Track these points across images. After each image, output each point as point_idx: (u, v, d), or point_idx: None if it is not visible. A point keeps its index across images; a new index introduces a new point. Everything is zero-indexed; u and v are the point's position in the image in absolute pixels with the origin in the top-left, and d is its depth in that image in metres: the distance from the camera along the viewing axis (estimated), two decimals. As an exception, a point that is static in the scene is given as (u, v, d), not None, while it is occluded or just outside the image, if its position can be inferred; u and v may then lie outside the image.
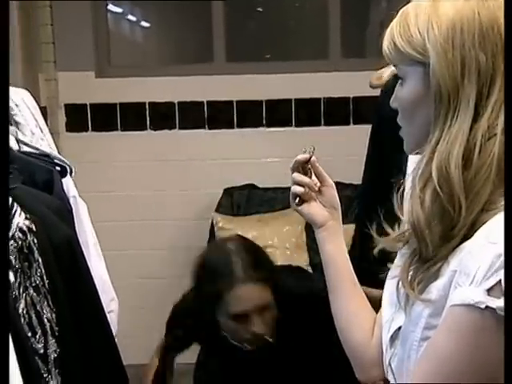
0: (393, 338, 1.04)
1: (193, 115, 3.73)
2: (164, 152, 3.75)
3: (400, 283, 1.00)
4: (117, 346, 1.45)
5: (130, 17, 4.24)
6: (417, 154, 1.02)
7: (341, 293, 1.22)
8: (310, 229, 3.55)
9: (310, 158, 1.28)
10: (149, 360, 3.72)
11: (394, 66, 1.03)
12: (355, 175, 3.24)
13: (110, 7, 3.94)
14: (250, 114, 3.75)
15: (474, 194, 0.91)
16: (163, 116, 3.74)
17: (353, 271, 1.23)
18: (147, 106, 3.73)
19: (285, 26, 3.87)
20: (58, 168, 1.56)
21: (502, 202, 0.90)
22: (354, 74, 3.47)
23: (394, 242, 1.06)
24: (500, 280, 0.84)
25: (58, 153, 1.75)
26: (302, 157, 1.29)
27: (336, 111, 3.66)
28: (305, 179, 1.26)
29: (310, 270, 3.47)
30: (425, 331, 0.94)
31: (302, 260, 3.51)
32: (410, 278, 0.96)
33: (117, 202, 3.75)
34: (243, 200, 3.69)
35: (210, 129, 3.76)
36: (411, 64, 0.97)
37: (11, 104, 1.75)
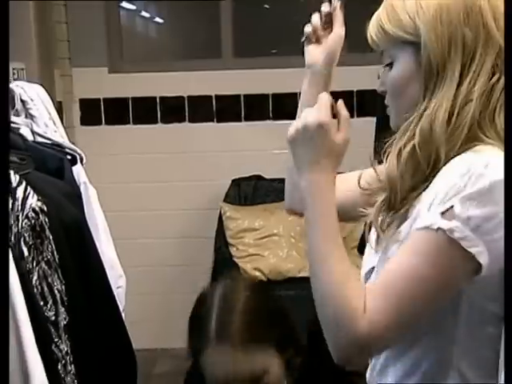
0: (366, 278, 1.16)
1: (202, 109, 3.86)
2: (174, 144, 3.88)
3: (372, 228, 1.13)
4: (122, 318, 1.59)
5: (143, 13, 4.38)
6: None
7: None
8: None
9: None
10: (157, 345, 3.86)
11: (381, 52, 1.14)
12: (360, 166, 3.35)
13: (124, 4, 4.07)
14: (256, 107, 3.87)
15: (450, 146, 1.04)
16: (173, 110, 3.86)
17: None
18: (158, 100, 3.86)
19: (291, 22, 3.96)
20: (68, 156, 1.69)
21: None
22: (357, 68, 3.58)
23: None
24: (452, 206, 0.97)
25: (71, 144, 1.89)
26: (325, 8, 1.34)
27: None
28: (314, 19, 1.34)
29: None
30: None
31: (306, 248, 3.63)
32: (380, 221, 1.08)
33: (129, 192, 3.87)
34: (250, 190, 3.81)
35: (218, 122, 3.88)
36: (401, 46, 1.09)
37: (27, 98, 1.89)
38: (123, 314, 1.81)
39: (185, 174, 3.90)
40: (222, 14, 3.86)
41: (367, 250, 1.21)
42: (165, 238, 3.95)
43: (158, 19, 4.42)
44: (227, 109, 3.87)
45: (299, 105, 1.36)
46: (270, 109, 3.87)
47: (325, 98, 1.10)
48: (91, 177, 1.90)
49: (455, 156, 1.04)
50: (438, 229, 0.98)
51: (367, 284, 1.09)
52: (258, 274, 3.51)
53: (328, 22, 1.32)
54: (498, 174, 0.97)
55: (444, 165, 1.04)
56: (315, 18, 1.32)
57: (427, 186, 1.05)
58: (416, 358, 1.09)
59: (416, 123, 1.06)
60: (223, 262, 3.68)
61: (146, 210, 3.93)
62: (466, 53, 1.05)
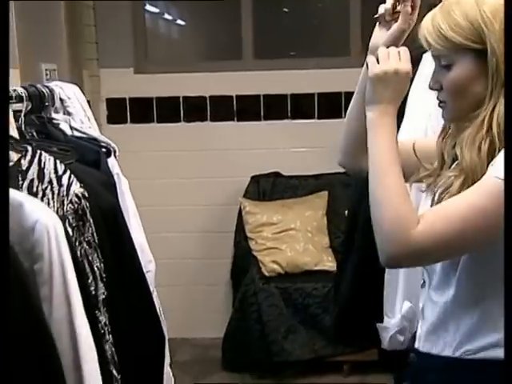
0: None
1: (223, 108, 4.00)
2: (196, 142, 4.02)
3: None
4: (152, 295, 1.74)
5: (167, 16, 4.53)
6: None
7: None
8: (330, 214, 3.83)
9: None
10: (178, 334, 3.99)
11: (436, 54, 1.27)
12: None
13: (148, 7, 4.23)
14: (275, 107, 4.00)
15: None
16: (195, 109, 4.01)
17: None
18: (181, 100, 4.01)
19: (309, 25, 4.09)
20: (103, 149, 1.85)
21: None
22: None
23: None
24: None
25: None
26: None
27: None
28: (387, 4, 1.39)
29: (331, 252, 3.74)
30: None
31: (323, 242, 3.77)
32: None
33: (152, 188, 4.01)
34: (269, 187, 3.95)
35: (238, 121, 4.02)
36: (462, 52, 1.23)
37: (64, 97, 2.05)
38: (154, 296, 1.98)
39: (206, 171, 4.04)
40: (243, 16, 4.01)
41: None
42: (187, 232, 4.10)
43: (180, 21, 4.56)
44: (247, 108, 4.01)
45: (359, 83, 1.47)
46: (289, 108, 4.00)
47: (403, 49, 1.28)
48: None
49: None
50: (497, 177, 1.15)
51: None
52: (275, 266, 3.66)
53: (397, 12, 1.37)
54: None
55: None
56: (388, 1, 1.38)
57: None
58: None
59: (488, 120, 1.22)
60: (242, 255, 3.84)
61: (169, 205, 4.08)
62: None
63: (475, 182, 1.21)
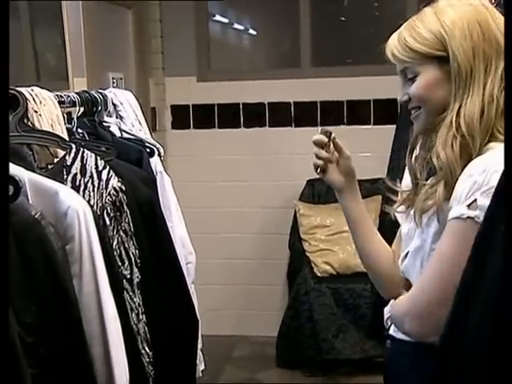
0: (404, 259, 1.45)
1: (281, 114, 4.15)
2: (255, 147, 4.18)
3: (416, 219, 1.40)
4: (186, 281, 1.89)
5: (236, 26, 4.70)
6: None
7: (361, 235, 1.61)
8: (383, 217, 3.89)
9: (330, 137, 1.64)
10: (236, 331, 4.14)
11: (402, 68, 1.37)
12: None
13: (218, 18, 4.41)
14: (332, 113, 4.11)
15: (481, 141, 1.29)
16: (255, 115, 4.17)
17: (369, 219, 1.63)
18: (241, 106, 4.18)
19: (365, 33, 4.19)
20: (147, 149, 2.03)
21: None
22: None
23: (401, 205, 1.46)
24: (476, 199, 1.23)
25: (162, 147, 2.20)
26: (317, 138, 1.66)
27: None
28: (323, 154, 1.63)
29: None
30: (432, 245, 1.35)
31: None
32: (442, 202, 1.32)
33: (213, 190, 4.21)
34: (323, 190, 4.05)
35: (295, 126, 4.16)
36: (427, 61, 1.32)
37: (117, 102, 2.25)
38: (193, 286, 2.14)
39: (264, 175, 4.19)
40: (302, 25, 4.14)
41: (403, 241, 1.47)
42: (244, 233, 4.26)
43: (251, 31, 4.73)
44: (304, 114, 4.13)
45: (346, 218, 1.66)
46: (345, 114, 4.10)
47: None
48: (179, 175, 2.20)
49: (481, 149, 1.29)
50: (467, 217, 1.23)
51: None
52: (327, 267, 3.76)
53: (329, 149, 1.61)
54: None
55: (475, 156, 1.28)
56: (320, 153, 1.63)
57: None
58: None
59: (456, 120, 1.30)
60: (296, 256, 3.96)
61: (229, 207, 4.25)
62: (485, 61, 1.30)
63: (456, 181, 1.28)
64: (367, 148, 4.08)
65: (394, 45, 1.38)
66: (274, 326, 3.95)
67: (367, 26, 4.17)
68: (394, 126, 4.13)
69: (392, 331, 1.49)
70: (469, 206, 1.23)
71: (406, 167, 1.46)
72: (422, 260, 1.38)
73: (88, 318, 1.35)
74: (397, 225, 1.57)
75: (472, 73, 1.30)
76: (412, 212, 1.41)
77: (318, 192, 4.05)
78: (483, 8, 1.35)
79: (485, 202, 1.21)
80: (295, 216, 4.00)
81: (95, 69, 3.25)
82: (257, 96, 4.15)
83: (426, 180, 1.39)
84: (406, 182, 1.49)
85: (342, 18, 4.26)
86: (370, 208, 3.89)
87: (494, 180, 1.19)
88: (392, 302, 1.47)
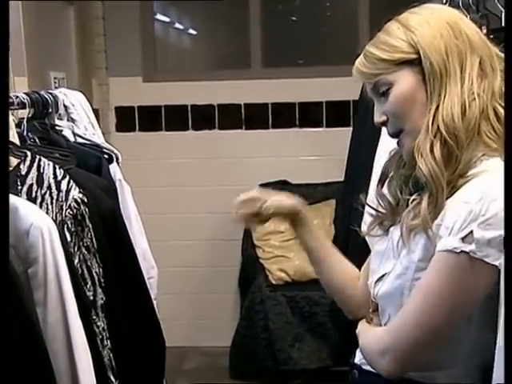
0: (377, 281, 1.31)
1: (231, 117, 4.02)
2: (204, 150, 4.04)
3: (403, 237, 1.26)
4: (152, 301, 1.74)
5: (177, 25, 4.56)
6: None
7: (324, 266, 1.50)
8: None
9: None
10: (186, 343, 3.98)
11: (374, 83, 1.24)
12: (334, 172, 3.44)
13: (159, 17, 4.25)
14: (283, 115, 4.01)
15: (468, 141, 1.18)
16: (204, 117, 4.03)
17: (328, 245, 1.52)
18: (189, 108, 4.03)
19: (317, 33, 4.10)
20: (105, 156, 1.86)
21: (473, 171, 1.17)
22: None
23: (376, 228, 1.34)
24: (472, 231, 1.11)
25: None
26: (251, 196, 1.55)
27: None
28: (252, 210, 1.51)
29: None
30: (416, 273, 1.21)
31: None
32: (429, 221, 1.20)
33: (160, 196, 4.04)
34: (276, 195, 3.95)
35: (246, 129, 4.04)
36: (398, 68, 1.22)
37: (68, 104, 2.07)
38: (155, 303, 1.98)
39: (214, 179, 4.05)
40: (252, 25, 4.02)
41: (375, 259, 1.35)
42: (194, 240, 4.10)
43: (191, 31, 4.59)
44: (255, 117, 4.02)
45: (308, 253, 1.55)
46: (297, 117, 4.01)
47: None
48: (125, 181, 2.06)
49: (469, 153, 1.18)
50: (461, 251, 1.11)
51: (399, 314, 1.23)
52: (282, 274, 3.65)
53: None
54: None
55: (464, 163, 1.17)
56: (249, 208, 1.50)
57: (450, 196, 1.17)
58: None
59: (433, 122, 1.19)
60: (250, 264, 3.83)
61: (177, 213, 4.09)
62: (459, 58, 1.21)
63: (440, 195, 1.17)
64: (320, 151, 4.00)
65: (360, 63, 1.27)
66: (225, 335, 3.82)
67: (319, 27, 4.09)
68: (347, 129, 4.08)
69: (358, 360, 1.37)
70: (463, 238, 1.12)
71: (377, 194, 1.35)
72: (402, 288, 1.24)
73: (54, 351, 1.19)
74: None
75: (447, 70, 1.20)
76: (393, 230, 1.30)
77: (271, 197, 3.93)
78: (448, 9, 1.29)
79: (482, 234, 1.10)
80: (248, 222, 3.86)
81: (36, 67, 3.03)
82: (206, 97, 4.01)
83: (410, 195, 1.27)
84: (372, 197, 1.39)
85: (294, 18, 4.17)
86: (323, 213, 3.87)
87: (493, 210, 1.10)
88: (361, 331, 1.35)
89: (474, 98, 1.19)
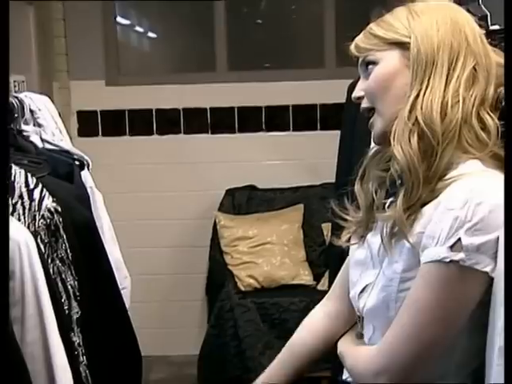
0: (361, 293, 1.26)
1: (197, 121, 3.95)
2: (169, 155, 3.96)
3: (361, 246, 1.23)
4: (128, 313, 1.67)
5: (138, 28, 4.47)
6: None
7: (308, 358, 1.42)
8: (306, 227, 3.79)
9: None
10: (153, 352, 3.89)
11: (363, 58, 1.23)
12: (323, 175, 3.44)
13: (119, 20, 4.16)
14: (250, 119, 3.96)
15: (447, 141, 1.14)
16: (169, 122, 3.95)
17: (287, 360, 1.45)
18: (154, 113, 3.94)
19: (283, 36, 4.07)
20: (76, 162, 1.78)
21: (452, 173, 1.13)
22: (347, 81, 3.67)
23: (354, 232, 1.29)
24: (459, 238, 1.06)
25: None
26: None
27: (331, 116, 3.82)
28: None
29: (307, 265, 3.70)
30: (400, 284, 1.16)
31: (299, 256, 3.72)
32: (405, 218, 1.14)
33: (125, 202, 3.93)
34: (244, 200, 3.90)
35: (212, 133, 3.97)
36: (388, 47, 1.20)
37: (35, 108, 1.98)
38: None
39: (180, 184, 3.97)
40: (216, 28, 3.97)
41: (355, 270, 1.29)
42: (161, 246, 4.01)
43: (151, 34, 4.51)
44: (221, 121, 3.96)
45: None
46: (263, 121, 3.96)
47: None
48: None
49: (446, 155, 1.13)
50: (451, 261, 1.06)
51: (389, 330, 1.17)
52: (251, 281, 3.59)
53: None
54: (494, 197, 1.06)
55: (443, 164, 1.13)
56: None
57: (430, 201, 1.13)
58: None
59: (411, 109, 1.15)
60: (218, 270, 3.77)
61: (142, 220, 4.00)
62: (451, 55, 1.17)
63: (416, 188, 1.13)
64: (287, 155, 3.96)
65: (358, 37, 1.26)
66: (192, 344, 3.75)
67: (285, 30, 4.05)
68: (315, 132, 4.07)
69: (347, 377, 1.31)
70: (451, 247, 1.07)
71: (356, 192, 1.29)
72: (387, 301, 1.19)
73: (33, 372, 1.10)
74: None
75: (434, 62, 1.17)
76: (371, 237, 1.25)
77: (239, 202, 3.89)
78: (458, 9, 1.25)
79: (471, 241, 1.06)
80: (215, 228, 3.81)
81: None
82: (171, 101, 3.94)
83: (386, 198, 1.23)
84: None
85: (259, 21, 4.12)
86: (292, 218, 3.83)
87: (479, 214, 1.05)
88: (346, 352, 1.30)
89: (458, 101, 1.15)
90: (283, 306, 3.50)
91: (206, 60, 4.09)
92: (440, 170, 1.14)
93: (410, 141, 1.14)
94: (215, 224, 3.81)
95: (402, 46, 1.19)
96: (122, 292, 1.89)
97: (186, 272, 4.04)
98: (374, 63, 1.22)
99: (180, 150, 3.96)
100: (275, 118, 3.97)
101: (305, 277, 3.61)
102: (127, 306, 1.89)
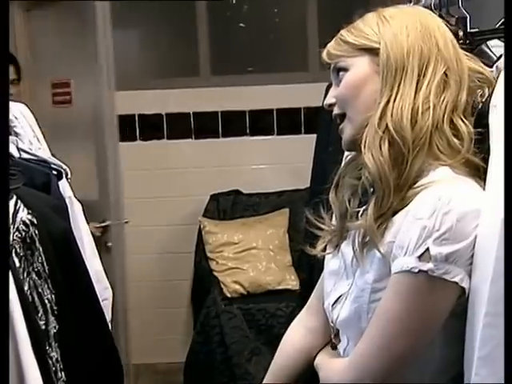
0: (335, 304, 1.24)
1: (180, 126, 3.92)
2: (153, 161, 3.93)
3: (334, 257, 1.21)
4: (108, 327, 1.63)
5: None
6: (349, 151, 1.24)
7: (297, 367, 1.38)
8: (292, 231, 3.76)
9: None
10: (139, 360, 3.86)
11: (334, 65, 1.22)
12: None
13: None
14: (234, 123, 3.94)
15: (418, 149, 1.12)
16: (152, 127, 3.92)
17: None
18: (137, 118, 3.92)
19: (266, 40, 4.05)
20: (54, 172, 1.74)
21: (422, 181, 1.11)
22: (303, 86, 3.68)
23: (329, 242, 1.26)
24: (428, 248, 1.04)
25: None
26: None
27: (315, 120, 3.80)
28: None
29: (293, 270, 3.67)
30: (372, 295, 1.14)
31: (285, 261, 3.69)
32: (376, 227, 1.13)
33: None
34: (229, 205, 3.87)
35: (196, 138, 3.95)
36: (358, 53, 1.18)
37: (11, 116, 1.94)
38: (109, 325, 1.87)
39: (164, 190, 3.94)
40: (199, 32, 3.94)
41: (329, 280, 1.27)
42: (145, 253, 3.97)
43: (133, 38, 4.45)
44: (205, 125, 3.94)
45: None
46: (247, 125, 3.94)
47: None
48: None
49: (421, 167, 1.11)
50: (419, 271, 1.04)
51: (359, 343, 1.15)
52: (237, 287, 3.56)
53: None
54: (462, 205, 1.04)
55: (414, 172, 1.11)
56: None
57: (400, 209, 1.11)
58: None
59: (381, 116, 1.13)
60: (203, 276, 3.73)
61: (126, 226, 3.95)
62: (421, 61, 1.15)
63: (387, 195, 1.11)
64: (272, 159, 3.94)
65: (330, 44, 1.25)
66: (178, 351, 3.72)
67: (268, 33, 4.03)
68: (299, 136, 4.04)
69: None
70: (420, 257, 1.05)
71: (330, 201, 1.27)
72: (359, 312, 1.17)
73: (5, 394, 1.06)
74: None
75: (404, 69, 1.15)
76: (345, 247, 1.22)
77: (223, 207, 3.86)
78: (429, 14, 1.23)
79: (439, 251, 1.04)
80: (200, 233, 3.77)
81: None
82: (154, 106, 3.91)
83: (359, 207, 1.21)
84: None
85: (242, 25, 4.08)
86: (277, 222, 3.80)
87: (446, 223, 1.03)
88: (320, 364, 1.29)
89: (429, 107, 1.13)
90: (269, 311, 3.47)
91: (189, 64, 4.07)
92: (411, 178, 1.12)
93: (380, 148, 1.12)
94: (200, 230, 3.78)
95: (372, 51, 1.17)
96: (103, 303, 1.86)
97: (171, 278, 4.00)
98: (345, 70, 1.20)
99: (163, 156, 3.94)
100: (259, 122, 3.95)
101: (291, 282, 3.58)
102: (108, 317, 1.86)
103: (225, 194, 3.90)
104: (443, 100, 1.14)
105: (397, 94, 1.14)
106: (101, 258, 1.95)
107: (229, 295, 3.54)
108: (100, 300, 1.80)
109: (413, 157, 1.12)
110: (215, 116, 3.93)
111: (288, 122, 3.91)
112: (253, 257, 3.63)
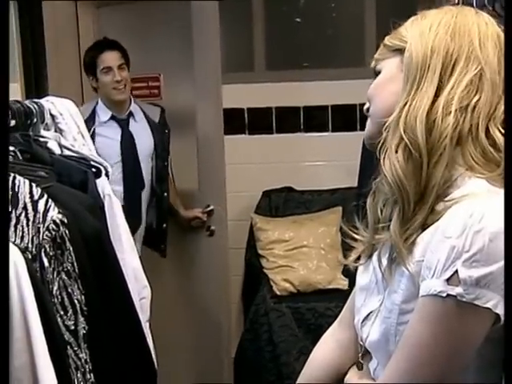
0: (364, 321, 1.17)
1: (234, 121, 3.88)
2: (206, 156, 3.92)
3: (365, 271, 1.15)
4: (142, 328, 1.62)
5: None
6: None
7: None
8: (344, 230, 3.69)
9: None
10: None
11: (375, 70, 1.17)
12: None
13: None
14: (288, 119, 3.90)
15: (437, 157, 1.03)
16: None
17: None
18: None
19: (322, 35, 3.98)
20: (93, 169, 1.74)
21: (457, 193, 1.02)
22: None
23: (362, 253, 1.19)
24: (456, 270, 0.95)
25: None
26: None
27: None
28: None
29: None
30: (400, 316, 1.07)
31: (336, 260, 3.63)
32: (402, 242, 1.05)
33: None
34: (281, 202, 3.83)
35: (250, 134, 3.92)
36: (392, 55, 1.13)
37: (56, 113, 1.95)
38: (147, 325, 1.85)
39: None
40: (255, 27, 3.91)
41: (360, 295, 1.20)
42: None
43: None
44: (259, 121, 3.90)
45: None
46: (301, 121, 3.89)
47: None
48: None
49: (450, 177, 1.04)
50: (448, 296, 0.96)
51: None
52: (287, 285, 3.53)
53: None
54: (495, 224, 0.95)
55: (440, 182, 1.03)
56: None
57: (430, 225, 1.03)
58: None
59: (398, 118, 1.06)
60: (253, 274, 3.71)
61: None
62: (446, 62, 1.06)
63: (409, 204, 1.03)
64: (325, 156, 3.88)
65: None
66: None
67: (324, 28, 3.95)
68: (354, 133, 3.95)
69: None
70: (448, 280, 0.96)
71: (367, 207, 1.17)
72: (387, 334, 1.10)
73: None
74: None
75: (426, 68, 1.07)
76: (376, 260, 1.14)
77: (275, 204, 3.83)
78: (473, 12, 1.12)
79: (469, 274, 0.94)
80: (251, 230, 3.75)
81: None
82: (208, 101, 3.87)
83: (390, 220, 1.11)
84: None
85: (298, 20, 4.02)
86: (329, 221, 3.73)
87: (477, 244, 0.94)
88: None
89: (451, 112, 1.03)
90: (319, 311, 3.42)
91: (244, 60, 4.04)
92: (435, 188, 1.03)
93: (397, 153, 1.05)
94: (251, 226, 3.75)
95: (402, 52, 1.11)
96: (140, 302, 1.85)
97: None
98: (380, 73, 1.15)
99: (217, 151, 3.91)
100: (314, 119, 3.89)
101: (341, 281, 3.52)
102: (146, 316, 1.85)
103: (277, 191, 3.86)
104: (475, 104, 1.04)
105: (415, 95, 1.07)
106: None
107: (278, 293, 3.51)
108: (137, 299, 1.80)
109: (432, 164, 1.03)
110: (269, 112, 3.89)
111: (343, 118, 3.84)
112: (303, 255, 3.59)
